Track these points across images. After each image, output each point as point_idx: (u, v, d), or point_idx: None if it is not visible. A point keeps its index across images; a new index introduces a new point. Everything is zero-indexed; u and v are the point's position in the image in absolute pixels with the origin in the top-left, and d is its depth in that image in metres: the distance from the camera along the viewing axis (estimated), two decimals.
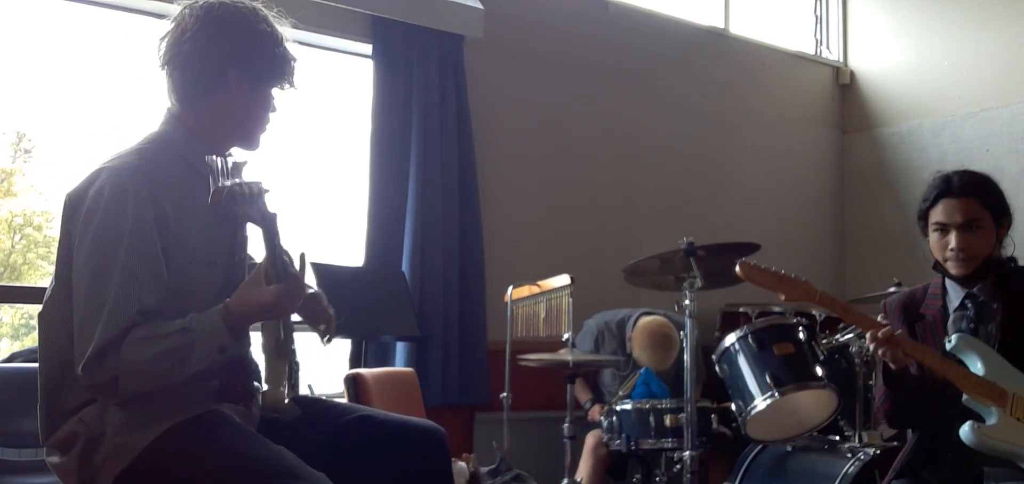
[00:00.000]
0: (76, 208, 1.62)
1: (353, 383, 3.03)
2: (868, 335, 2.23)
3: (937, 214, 2.34)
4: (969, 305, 2.33)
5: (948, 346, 2.25)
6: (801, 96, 5.62)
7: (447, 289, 3.94)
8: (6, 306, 3.78)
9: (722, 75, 5.23)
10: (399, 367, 3.75)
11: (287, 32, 1.79)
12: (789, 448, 3.24)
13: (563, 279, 3.36)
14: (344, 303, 3.45)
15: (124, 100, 3.64)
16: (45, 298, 1.69)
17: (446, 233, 3.96)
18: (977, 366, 2.20)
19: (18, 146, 3.57)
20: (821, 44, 5.81)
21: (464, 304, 4.01)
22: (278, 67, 1.76)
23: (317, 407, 1.89)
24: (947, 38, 5.19)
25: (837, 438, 3.26)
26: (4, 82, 3.45)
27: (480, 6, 4.14)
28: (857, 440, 3.11)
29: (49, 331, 1.66)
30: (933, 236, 2.36)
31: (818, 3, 5.83)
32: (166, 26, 1.77)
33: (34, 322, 3.89)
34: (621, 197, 4.73)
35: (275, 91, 1.80)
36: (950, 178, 2.34)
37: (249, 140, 1.81)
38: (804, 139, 5.61)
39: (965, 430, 2.13)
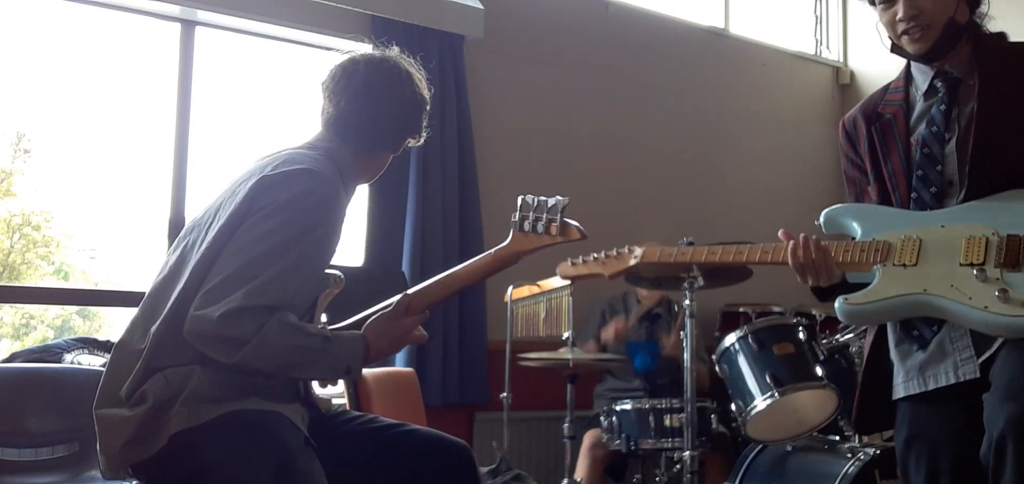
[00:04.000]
0: (274, 189, 1.70)
1: (353, 383, 3.02)
2: (790, 259, 1.87)
3: None
4: (939, 86, 1.87)
5: (821, 226, 1.91)
6: (801, 96, 5.62)
7: None
8: (6, 306, 3.78)
9: (722, 75, 5.23)
10: (399, 367, 3.75)
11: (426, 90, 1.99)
12: (789, 448, 3.24)
13: (562, 279, 3.35)
14: (344, 303, 3.47)
15: (124, 100, 3.65)
16: (175, 265, 1.74)
17: (446, 233, 3.96)
18: (853, 229, 1.85)
19: (18, 146, 3.57)
20: (821, 44, 5.81)
21: (464, 304, 4.01)
22: (419, 129, 1.97)
23: (342, 416, 1.93)
24: None
25: (837, 438, 3.25)
26: (4, 82, 3.45)
27: (480, 6, 4.14)
28: (857, 440, 3.11)
29: (187, 290, 1.66)
30: (880, 10, 1.92)
31: (818, 3, 5.84)
32: (340, 59, 1.93)
33: (34, 322, 3.90)
34: (621, 197, 4.73)
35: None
36: None
37: (372, 180, 2.03)
38: (804, 139, 5.61)
39: (837, 306, 1.80)
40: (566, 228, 1.86)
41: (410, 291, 1.87)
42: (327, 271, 1.90)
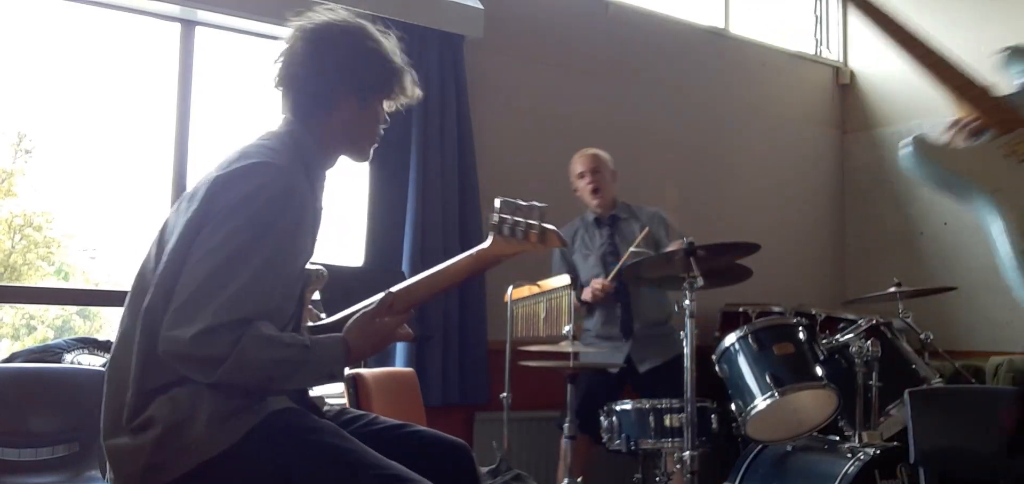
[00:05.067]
0: (227, 189, 1.62)
1: (353, 383, 3.03)
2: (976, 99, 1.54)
3: None
4: None
5: (1002, 57, 1.69)
6: (801, 96, 5.61)
7: None
8: (6, 306, 3.78)
9: (722, 75, 5.23)
10: (399, 367, 3.75)
11: (393, 45, 1.85)
12: (789, 448, 3.24)
13: (563, 279, 3.35)
14: (344, 303, 3.47)
15: (124, 100, 3.65)
16: (151, 270, 1.66)
17: (446, 233, 3.96)
18: (1015, 79, 1.59)
19: (18, 146, 3.57)
20: (821, 44, 5.81)
21: (464, 304, 4.01)
22: (385, 82, 1.83)
23: (342, 417, 1.90)
24: (947, 38, 5.15)
25: (837, 438, 3.26)
26: (4, 82, 3.45)
27: (480, 6, 4.14)
28: (857, 440, 3.11)
29: (154, 306, 1.60)
30: None
31: (818, 3, 5.83)
32: (280, 47, 1.84)
33: (34, 322, 3.90)
34: (621, 196, 4.73)
35: (385, 103, 1.87)
36: None
37: (360, 153, 1.89)
38: (804, 139, 5.61)
39: (909, 142, 1.62)
40: (546, 235, 1.81)
41: (394, 289, 1.81)
42: (309, 267, 1.84)
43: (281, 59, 1.81)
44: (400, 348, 3.84)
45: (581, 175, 3.85)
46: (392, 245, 3.89)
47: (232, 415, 1.60)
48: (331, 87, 1.78)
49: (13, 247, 3.75)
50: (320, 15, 1.82)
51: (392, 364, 3.80)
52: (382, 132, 1.89)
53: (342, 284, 3.55)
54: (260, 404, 1.63)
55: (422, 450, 1.83)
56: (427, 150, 3.95)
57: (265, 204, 1.60)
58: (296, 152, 1.76)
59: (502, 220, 1.81)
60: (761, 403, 3.06)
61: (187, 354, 1.52)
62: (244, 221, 1.58)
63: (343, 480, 1.60)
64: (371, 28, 1.83)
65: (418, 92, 1.88)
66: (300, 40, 1.79)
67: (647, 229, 3.65)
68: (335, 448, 1.64)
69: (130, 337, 1.64)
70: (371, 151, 1.91)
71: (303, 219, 1.68)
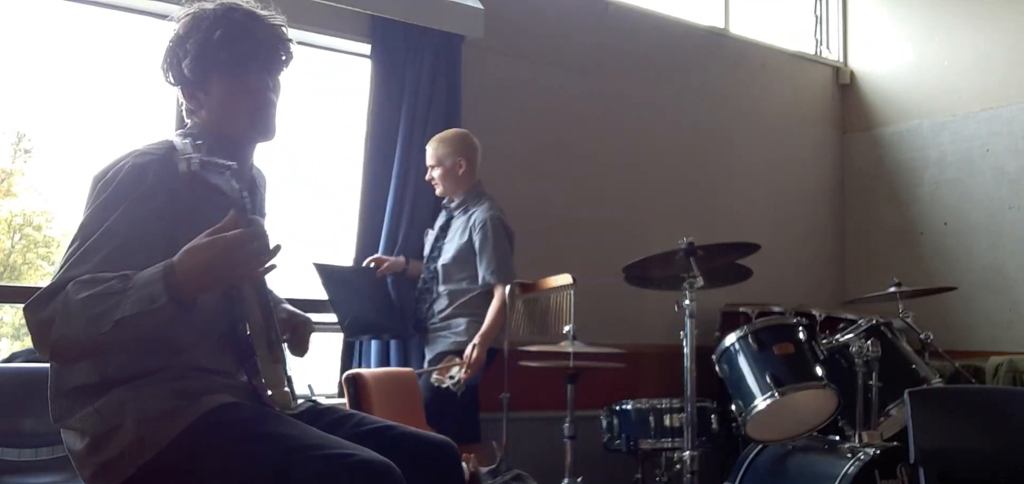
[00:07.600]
0: (95, 183, 1.67)
1: (352, 383, 3.03)
2: None
3: None
4: None
5: None
6: (801, 96, 5.62)
7: None
8: (6, 306, 3.78)
9: (722, 75, 5.23)
10: (399, 367, 3.75)
11: (255, 18, 1.84)
12: (789, 448, 3.24)
13: (564, 278, 3.35)
14: (343, 303, 3.47)
15: (124, 100, 3.65)
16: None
17: None
18: None
19: (18, 146, 3.57)
20: (821, 44, 5.81)
21: None
22: (235, 52, 1.79)
23: (329, 416, 1.89)
24: (947, 38, 5.19)
25: (837, 438, 3.26)
26: (4, 82, 3.45)
27: (480, 6, 4.14)
28: (857, 440, 3.11)
29: None
30: None
31: (818, 3, 5.83)
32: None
33: None
34: (621, 197, 4.73)
35: (265, 72, 1.85)
36: None
37: (255, 128, 1.85)
38: (804, 139, 5.61)
39: None
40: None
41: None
42: None
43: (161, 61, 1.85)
44: (399, 348, 3.83)
45: None
46: (391, 245, 3.88)
47: (165, 416, 1.60)
48: (200, 69, 1.81)
49: (13, 247, 3.75)
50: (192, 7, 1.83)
51: (392, 364, 3.80)
52: (273, 100, 1.85)
53: (342, 284, 3.56)
54: (195, 403, 1.63)
55: (409, 450, 1.82)
56: (425, 149, 3.94)
57: (116, 185, 1.63)
58: (182, 140, 1.73)
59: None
60: (761, 403, 3.06)
61: (32, 328, 1.52)
62: (99, 202, 1.62)
63: (284, 464, 1.58)
64: (238, 7, 1.83)
65: (290, 53, 1.89)
66: (171, 38, 1.84)
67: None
68: (274, 434, 1.63)
69: None
70: (271, 123, 1.87)
71: (155, 196, 1.63)
